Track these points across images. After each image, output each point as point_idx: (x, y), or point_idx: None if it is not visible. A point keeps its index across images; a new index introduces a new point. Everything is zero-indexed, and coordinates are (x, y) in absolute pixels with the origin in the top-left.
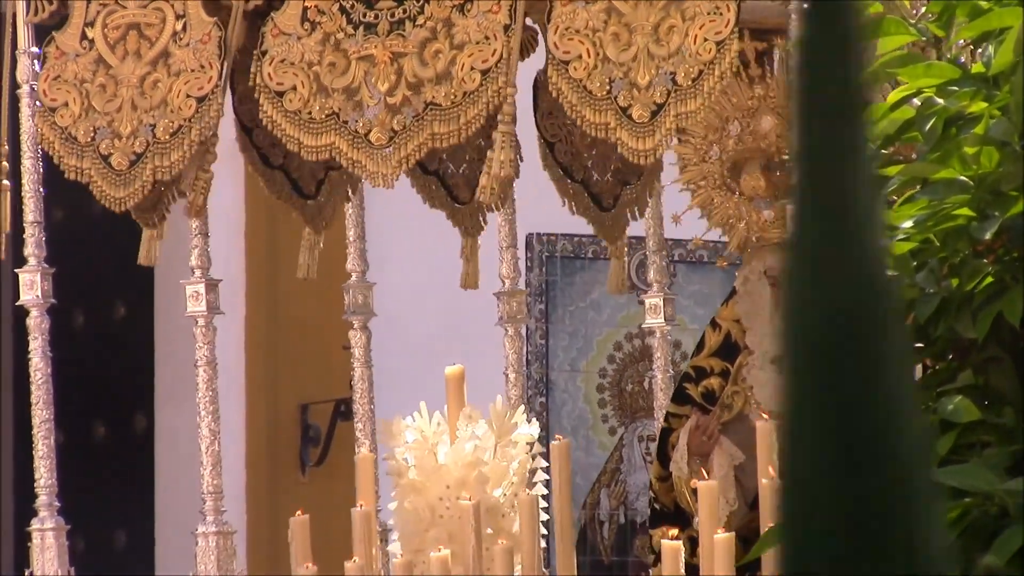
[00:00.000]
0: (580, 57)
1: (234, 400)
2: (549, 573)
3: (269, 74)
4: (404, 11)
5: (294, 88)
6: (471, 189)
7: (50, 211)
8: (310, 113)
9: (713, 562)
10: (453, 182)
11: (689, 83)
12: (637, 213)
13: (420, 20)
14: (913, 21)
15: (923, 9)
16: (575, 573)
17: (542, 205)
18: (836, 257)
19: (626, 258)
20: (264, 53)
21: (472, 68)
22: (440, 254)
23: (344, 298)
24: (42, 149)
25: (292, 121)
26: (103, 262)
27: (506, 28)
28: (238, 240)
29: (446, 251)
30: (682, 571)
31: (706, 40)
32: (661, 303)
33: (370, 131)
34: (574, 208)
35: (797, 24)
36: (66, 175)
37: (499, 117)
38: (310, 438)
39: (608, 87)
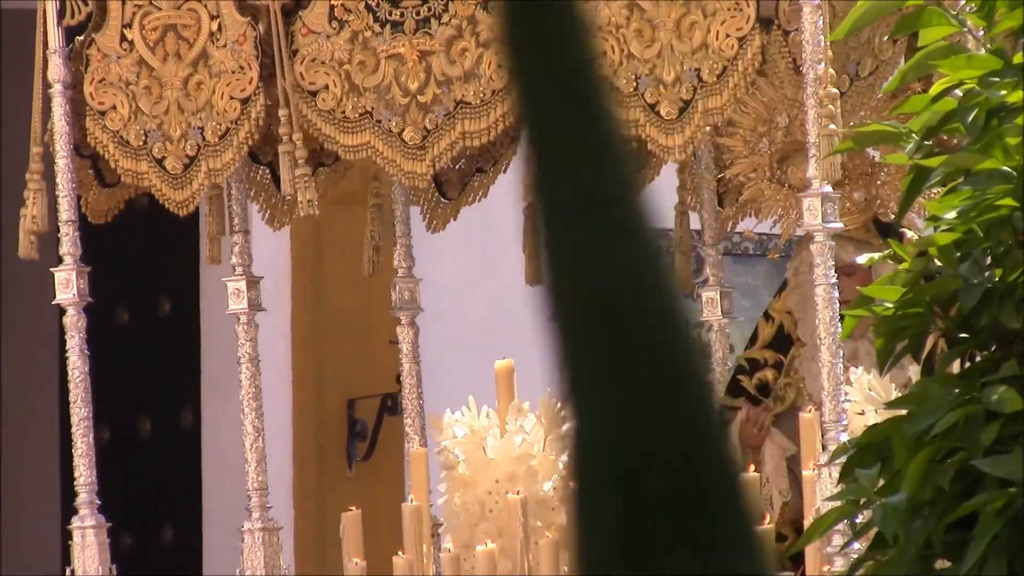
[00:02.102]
0: (605, 54)
1: (280, 395)
2: None
3: (301, 73)
4: (429, 9)
5: (327, 87)
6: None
7: None
8: (343, 112)
9: None
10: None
11: (714, 79)
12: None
13: (445, 18)
14: (954, 12)
15: (963, 0)
16: None
17: None
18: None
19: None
20: (295, 52)
21: (499, 66)
22: (488, 248)
23: (391, 294)
24: (91, 150)
25: (327, 120)
26: (148, 258)
27: None
28: (284, 235)
29: (494, 245)
30: None
31: (728, 36)
32: (718, 296)
33: (403, 130)
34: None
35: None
36: (123, 179)
37: None
38: (357, 433)
39: (635, 84)
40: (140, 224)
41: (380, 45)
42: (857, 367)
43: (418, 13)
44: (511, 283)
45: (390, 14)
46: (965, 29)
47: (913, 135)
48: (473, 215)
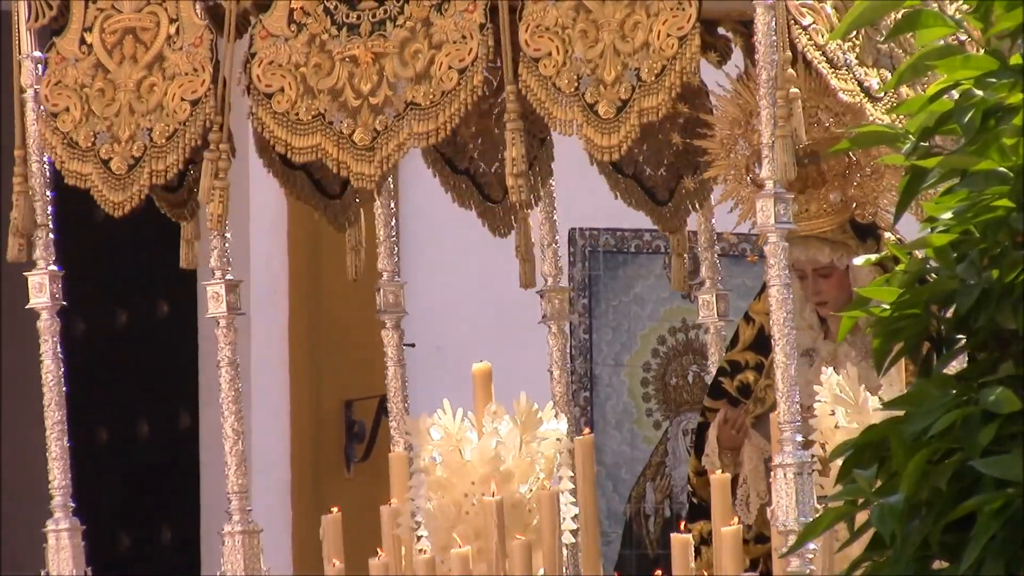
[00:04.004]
0: (550, 55)
1: (278, 397)
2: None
3: (258, 76)
4: (385, 12)
5: (282, 90)
6: (503, 187)
7: (92, 211)
8: (297, 114)
9: (722, 554)
10: (485, 180)
11: (652, 79)
12: (697, 205)
13: (400, 20)
14: (950, 13)
15: (960, 1)
16: (600, 568)
17: (584, 200)
18: None
19: (686, 255)
20: (253, 55)
21: (450, 67)
22: (481, 251)
23: (376, 298)
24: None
25: (280, 123)
26: (145, 261)
27: (481, 27)
28: (280, 237)
29: (487, 249)
30: (693, 564)
31: (669, 36)
32: (714, 299)
33: (354, 132)
34: (629, 202)
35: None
36: (66, 180)
37: (505, 116)
38: (354, 434)
39: (576, 84)
40: (137, 226)
41: (336, 48)
42: (828, 368)
43: (374, 16)
44: (506, 287)
45: (347, 17)
46: (962, 29)
47: (910, 136)
48: (470, 217)
